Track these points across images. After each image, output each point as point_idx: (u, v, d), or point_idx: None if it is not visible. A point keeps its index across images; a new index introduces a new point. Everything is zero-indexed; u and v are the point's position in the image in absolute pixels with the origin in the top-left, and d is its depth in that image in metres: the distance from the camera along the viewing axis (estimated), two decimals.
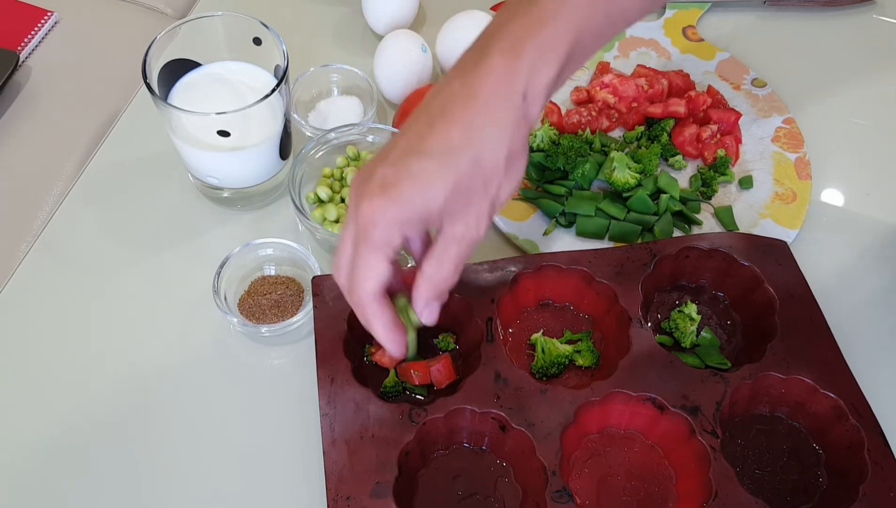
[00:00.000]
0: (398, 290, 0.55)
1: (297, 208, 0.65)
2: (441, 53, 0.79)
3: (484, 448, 0.58)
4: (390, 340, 0.53)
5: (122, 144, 0.76)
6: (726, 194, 0.73)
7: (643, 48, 0.84)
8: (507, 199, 0.51)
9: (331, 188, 0.69)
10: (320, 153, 0.70)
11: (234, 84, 0.68)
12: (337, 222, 0.67)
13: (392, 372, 0.60)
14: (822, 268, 0.69)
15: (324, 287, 0.61)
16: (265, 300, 0.64)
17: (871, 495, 0.54)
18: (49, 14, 0.85)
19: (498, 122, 0.48)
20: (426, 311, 0.53)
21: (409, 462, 0.55)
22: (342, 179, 0.69)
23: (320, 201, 0.68)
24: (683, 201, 0.71)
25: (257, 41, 0.67)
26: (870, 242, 0.72)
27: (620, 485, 0.57)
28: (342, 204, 0.69)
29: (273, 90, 0.62)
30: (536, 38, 0.48)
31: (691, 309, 0.63)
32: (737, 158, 0.75)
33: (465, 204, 0.49)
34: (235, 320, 0.63)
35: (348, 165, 0.70)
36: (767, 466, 0.58)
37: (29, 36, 0.83)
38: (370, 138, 0.71)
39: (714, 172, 0.73)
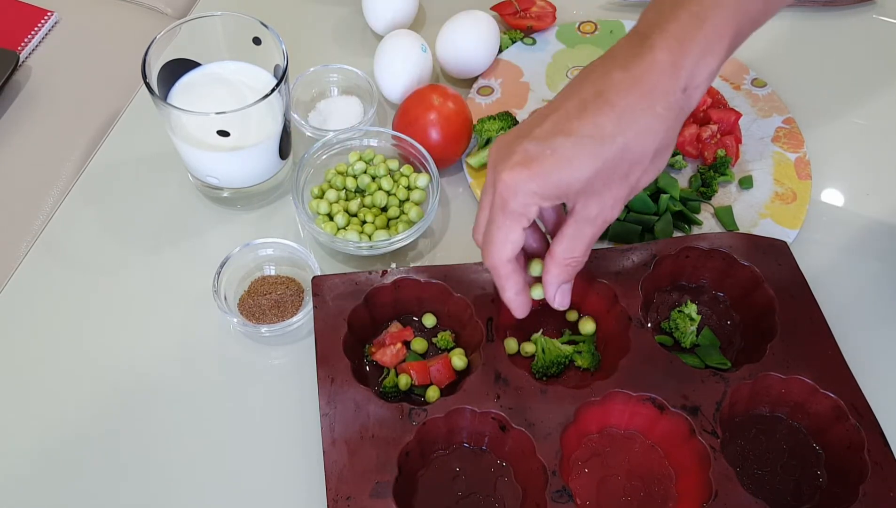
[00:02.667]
0: (534, 253, 0.58)
1: (300, 212, 0.65)
2: (441, 53, 0.79)
3: (484, 447, 0.58)
4: (518, 304, 0.56)
5: (122, 144, 0.76)
6: (726, 194, 0.73)
7: None
8: (644, 186, 0.52)
9: (332, 186, 0.69)
10: (324, 156, 0.71)
11: (233, 84, 0.68)
12: (345, 228, 0.67)
13: (392, 372, 0.60)
14: (822, 268, 0.68)
15: (324, 287, 0.61)
16: (265, 300, 0.64)
17: (871, 495, 0.54)
18: (49, 14, 0.85)
19: (655, 114, 0.48)
20: (558, 295, 0.56)
21: (409, 462, 0.55)
22: (344, 187, 0.70)
23: (321, 199, 0.68)
24: (683, 201, 0.71)
25: (257, 41, 0.67)
26: (870, 242, 0.72)
27: (620, 485, 0.57)
28: (344, 202, 0.69)
29: (273, 90, 0.62)
30: (701, 32, 0.48)
31: (691, 309, 0.63)
32: (737, 158, 0.75)
33: (604, 187, 0.50)
34: (235, 320, 0.63)
35: (350, 171, 0.70)
36: (767, 466, 0.58)
37: (29, 36, 0.83)
38: (372, 142, 0.72)
39: (714, 172, 0.73)
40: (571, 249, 0.53)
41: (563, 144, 0.49)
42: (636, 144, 0.49)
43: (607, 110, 0.48)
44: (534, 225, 0.57)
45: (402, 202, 0.69)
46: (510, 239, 0.52)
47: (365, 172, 0.70)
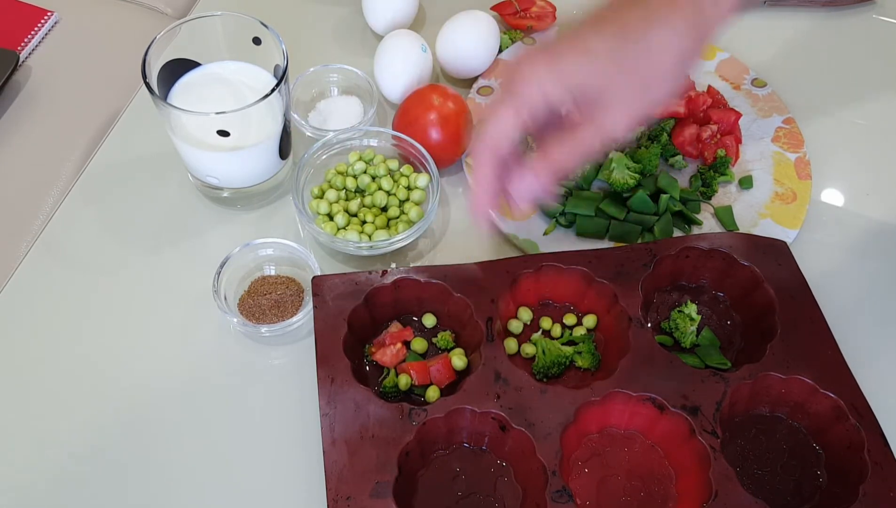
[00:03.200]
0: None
1: (300, 212, 0.65)
2: (441, 53, 0.79)
3: (484, 448, 0.58)
4: (482, 191, 0.52)
5: (122, 144, 0.76)
6: (726, 194, 0.73)
7: None
8: (663, 102, 0.51)
9: (332, 186, 0.69)
10: (324, 156, 0.71)
11: (233, 84, 0.68)
12: (345, 228, 0.67)
13: (392, 372, 0.60)
14: (822, 268, 0.68)
15: (324, 287, 0.61)
16: (265, 300, 0.64)
17: (871, 495, 0.54)
18: (49, 14, 0.85)
19: (677, 30, 0.49)
20: (525, 194, 0.52)
21: (409, 462, 0.55)
22: (344, 187, 0.70)
23: (321, 199, 0.68)
24: (683, 201, 0.71)
25: (257, 41, 0.67)
26: (870, 242, 0.72)
27: (620, 485, 0.57)
28: (343, 202, 0.69)
29: (273, 90, 0.62)
30: None
31: (691, 309, 0.63)
32: (737, 158, 0.75)
33: (620, 94, 0.49)
34: (235, 320, 0.63)
35: (350, 171, 0.70)
36: (767, 466, 0.58)
37: (29, 36, 0.83)
38: (372, 142, 0.72)
39: (714, 172, 0.73)
40: (568, 151, 0.51)
41: (589, 35, 0.48)
42: (659, 48, 0.48)
43: (638, 12, 0.49)
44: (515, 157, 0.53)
45: (402, 202, 0.69)
46: (506, 125, 0.50)
47: (365, 173, 0.70)
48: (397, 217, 0.68)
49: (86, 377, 0.62)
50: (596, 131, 0.50)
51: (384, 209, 0.69)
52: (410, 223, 0.67)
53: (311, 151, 0.69)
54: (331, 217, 0.68)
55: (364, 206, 0.69)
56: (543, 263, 0.63)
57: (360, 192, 0.70)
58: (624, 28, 0.49)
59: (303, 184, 0.68)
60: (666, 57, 0.49)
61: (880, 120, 0.81)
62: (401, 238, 0.65)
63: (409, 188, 0.70)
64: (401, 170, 0.70)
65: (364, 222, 0.67)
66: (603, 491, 0.56)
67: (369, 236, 0.66)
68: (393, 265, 0.67)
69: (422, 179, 0.69)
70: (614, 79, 0.49)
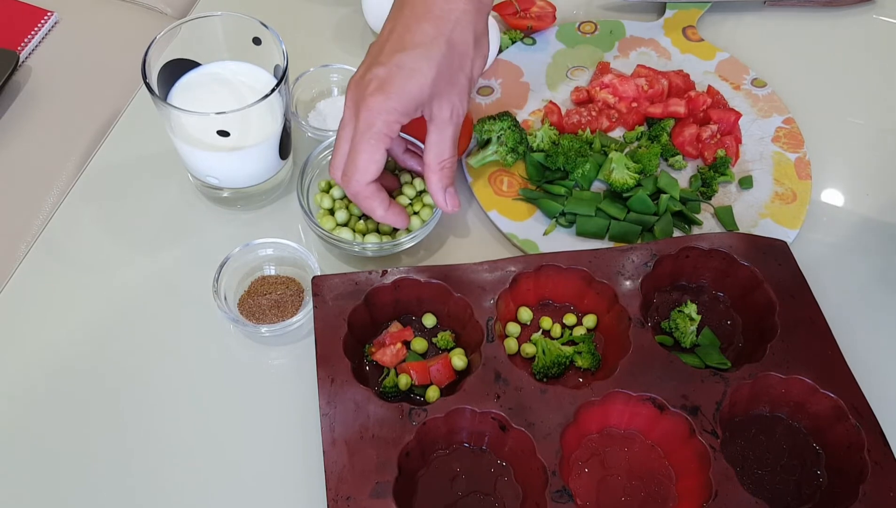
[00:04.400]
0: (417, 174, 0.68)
1: (306, 213, 0.65)
2: None
3: (484, 447, 0.58)
4: (394, 215, 0.62)
5: (122, 144, 0.76)
6: (726, 194, 0.73)
7: (643, 48, 0.84)
8: (479, 74, 0.62)
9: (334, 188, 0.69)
10: (329, 158, 0.70)
11: (233, 84, 0.68)
12: (346, 225, 0.67)
13: (392, 372, 0.60)
14: (822, 268, 0.68)
15: (324, 287, 0.61)
16: (265, 300, 0.64)
17: (871, 495, 0.54)
18: (49, 14, 0.85)
19: (463, 10, 0.59)
20: (448, 200, 0.63)
21: (409, 462, 0.55)
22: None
23: (326, 193, 0.68)
24: (683, 201, 0.71)
25: (257, 41, 0.67)
26: (869, 242, 0.72)
27: (620, 485, 0.57)
28: (348, 200, 0.69)
29: (273, 90, 0.62)
30: None
31: (691, 309, 0.63)
32: (737, 158, 0.75)
33: (448, 85, 0.59)
34: (235, 320, 0.63)
35: None
36: (767, 466, 0.58)
37: (29, 36, 0.83)
38: None
39: (714, 172, 0.73)
40: (440, 152, 0.61)
41: (404, 58, 0.58)
42: (457, 37, 0.58)
43: (425, 22, 0.58)
44: (406, 147, 0.67)
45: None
46: (375, 159, 0.59)
47: None
48: None
49: (85, 377, 0.62)
50: (448, 122, 0.60)
51: None
52: (421, 221, 0.67)
53: (315, 152, 0.69)
54: (332, 212, 0.67)
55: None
56: (543, 263, 0.63)
57: None
58: (426, 35, 0.58)
59: (307, 185, 0.68)
60: (467, 38, 0.59)
61: (880, 120, 0.81)
62: (404, 239, 0.65)
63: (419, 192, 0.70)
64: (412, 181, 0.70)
65: (361, 219, 0.67)
66: (603, 491, 0.56)
67: (362, 236, 0.66)
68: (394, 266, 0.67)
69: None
70: (440, 77, 0.58)
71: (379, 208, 0.61)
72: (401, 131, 0.70)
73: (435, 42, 0.58)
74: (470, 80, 0.61)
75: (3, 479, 0.58)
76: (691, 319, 0.63)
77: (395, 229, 0.67)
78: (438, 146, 0.61)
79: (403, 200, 0.67)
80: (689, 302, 0.64)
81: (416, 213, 0.68)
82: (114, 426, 0.60)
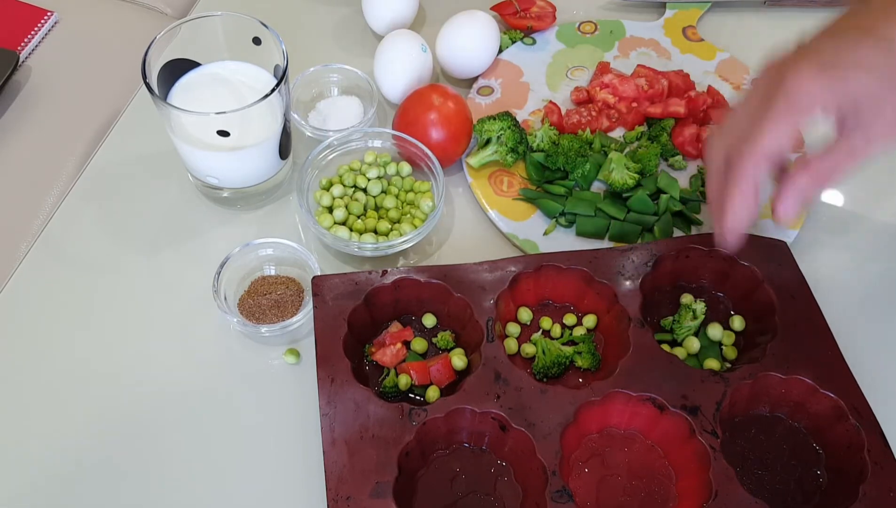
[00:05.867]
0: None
1: (306, 213, 0.65)
2: (441, 53, 0.79)
3: (484, 447, 0.58)
4: (742, 207, 0.54)
5: (122, 144, 0.76)
6: None
7: (643, 48, 0.84)
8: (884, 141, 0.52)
9: (342, 181, 0.69)
10: (330, 157, 0.71)
11: (233, 84, 0.68)
12: (343, 223, 0.67)
13: (392, 372, 0.60)
14: (822, 268, 0.68)
15: (324, 287, 0.61)
16: (265, 300, 0.64)
17: (871, 495, 0.54)
18: (49, 14, 0.85)
19: None
20: (792, 204, 0.54)
21: (409, 462, 0.55)
22: (353, 185, 0.70)
23: (326, 191, 0.68)
24: (683, 201, 0.71)
25: (257, 41, 0.67)
26: (870, 242, 0.72)
27: (620, 485, 0.57)
28: (348, 199, 0.69)
29: (273, 90, 0.62)
30: None
31: (699, 306, 0.63)
32: None
33: (888, 110, 0.50)
34: (235, 320, 0.63)
35: (363, 169, 0.70)
36: (767, 466, 0.58)
37: (29, 36, 0.83)
38: (375, 142, 0.72)
39: None
40: (839, 162, 0.52)
41: (860, 48, 0.49)
42: None
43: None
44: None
45: (403, 204, 0.69)
46: (781, 133, 0.50)
47: (379, 178, 0.70)
48: (398, 220, 0.68)
49: (85, 377, 0.62)
50: (868, 140, 0.51)
51: (388, 211, 0.69)
52: (415, 226, 0.67)
53: (315, 152, 0.69)
54: (331, 210, 0.67)
55: (369, 207, 0.69)
56: (543, 263, 0.63)
57: (365, 190, 0.70)
58: (892, 42, 0.49)
59: (307, 185, 0.68)
60: None
61: None
62: (404, 240, 0.65)
63: (413, 192, 0.70)
64: (410, 176, 0.70)
65: (360, 217, 0.68)
66: (603, 491, 0.56)
67: (373, 236, 0.66)
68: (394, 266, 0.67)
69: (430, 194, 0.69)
70: (887, 95, 0.50)
71: (746, 190, 0.53)
72: (400, 131, 0.70)
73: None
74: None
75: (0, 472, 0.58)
76: (694, 316, 0.63)
77: (392, 230, 0.67)
78: (843, 157, 0.52)
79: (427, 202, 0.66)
80: (697, 300, 0.64)
81: (411, 215, 0.68)
82: (113, 425, 0.60)
